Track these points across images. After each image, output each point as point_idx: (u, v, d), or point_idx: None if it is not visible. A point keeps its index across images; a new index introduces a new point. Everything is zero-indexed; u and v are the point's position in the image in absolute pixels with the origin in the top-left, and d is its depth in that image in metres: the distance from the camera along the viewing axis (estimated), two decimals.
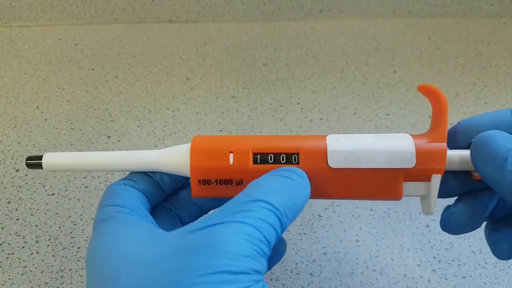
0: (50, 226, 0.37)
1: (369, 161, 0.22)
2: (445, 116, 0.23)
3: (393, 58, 0.59)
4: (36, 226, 0.37)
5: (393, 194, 0.23)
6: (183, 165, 0.24)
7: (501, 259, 0.23)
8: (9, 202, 0.40)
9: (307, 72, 0.57)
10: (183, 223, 0.26)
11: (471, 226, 0.23)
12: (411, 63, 0.58)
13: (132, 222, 0.21)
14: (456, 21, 0.67)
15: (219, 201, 0.26)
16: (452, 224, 0.23)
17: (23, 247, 0.36)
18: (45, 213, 0.38)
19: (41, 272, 0.34)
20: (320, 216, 0.38)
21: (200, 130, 0.47)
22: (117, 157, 0.25)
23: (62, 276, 0.34)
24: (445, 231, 0.24)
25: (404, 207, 0.39)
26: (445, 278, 0.33)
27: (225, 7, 0.66)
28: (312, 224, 0.38)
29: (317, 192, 0.23)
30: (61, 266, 0.34)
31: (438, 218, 0.24)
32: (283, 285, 0.33)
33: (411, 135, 0.23)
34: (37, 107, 0.51)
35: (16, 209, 0.39)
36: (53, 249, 0.36)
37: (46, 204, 0.39)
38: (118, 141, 0.46)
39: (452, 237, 0.36)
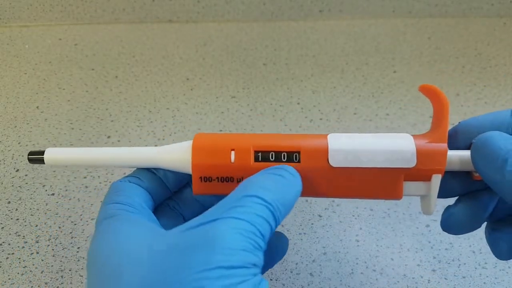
0: (50, 226, 0.37)
1: (370, 160, 0.22)
2: (446, 116, 0.23)
3: (393, 58, 0.59)
4: (36, 226, 0.37)
5: (394, 193, 0.23)
6: (184, 162, 0.24)
7: (501, 259, 0.23)
8: (9, 202, 0.40)
9: (307, 72, 0.57)
10: (186, 221, 0.26)
11: (471, 226, 0.23)
12: (411, 63, 0.58)
13: (134, 220, 0.21)
14: (456, 21, 0.67)
15: (222, 199, 0.26)
16: (452, 224, 0.23)
17: (23, 247, 0.36)
18: (45, 213, 0.38)
19: (41, 272, 0.34)
20: (320, 216, 0.38)
21: (200, 130, 0.47)
22: (118, 153, 0.25)
23: (62, 276, 0.34)
24: (445, 231, 0.24)
25: (404, 207, 0.39)
26: (445, 278, 0.33)
27: (225, 7, 0.66)
28: (312, 224, 0.38)
29: (318, 190, 0.23)
30: (61, 266, 0.34)
31: (438, 218, 0.24)
32: (283, 285, 0.33)
33: (411, 135, 0.23)
34: (37, 107, 0.51)
35: (16, 209, 0.39)
36: (53, 249, 0.36)
37: (46, 204, 0.39)
38: (118, 141, 0.46)
39: (452, 237, 0.36)
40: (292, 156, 0.23)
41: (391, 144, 0.22)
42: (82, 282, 0.33)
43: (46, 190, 0.41)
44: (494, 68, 0.57)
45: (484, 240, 0.24)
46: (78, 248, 0.36)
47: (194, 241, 0.18)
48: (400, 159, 0.22)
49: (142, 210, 0.23)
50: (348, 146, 0.23)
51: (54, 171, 0.42)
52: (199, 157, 0.23)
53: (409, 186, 0.23)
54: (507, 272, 0.34)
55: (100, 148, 0.25)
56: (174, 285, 0.17)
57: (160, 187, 0.25)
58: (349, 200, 0.39)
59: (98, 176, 0.42)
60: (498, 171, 0.19)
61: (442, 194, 0.23)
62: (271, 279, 0.33)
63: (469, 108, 0.51)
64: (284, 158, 0.23)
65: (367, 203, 0.39)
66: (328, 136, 0.23)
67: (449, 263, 0.34)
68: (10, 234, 0.37)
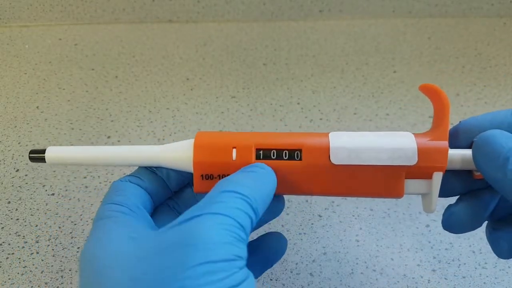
0: (50, 226, 0.37)
1: (371, 158, 0.22)
2: (447, 115, 0.23)
3: (393, 58, 0.59)
4: (36, 226, 0.37)
5: (395, 191, 0.23)
6: (186, 160, 0.24)
7: (501, 258, 0.23)
8: (9, 202, 0.39)
9: (307, 72, 0.57)
10: None
11: (472, 225, 0.23)
12: (411, 63, 0.58)
13: (127, 222, 0.21)
14: (456, 21, 0.67)
15: None
16: (453, 223, 0.23)
17: (23, 247, 0.36)
18: (45, 213, 0.38)
19: (41, 272, 0.34)
20: (320, 216, 0.38)
21: (200, 130, 0.47)
22: (120, 152, 0.25)
23: (62, 276, 0.34)
24: (446, 230, 0.24)
25: (404, 207, 0.39)
26: (445, 278, 0.33)
27: (225, 7, 0.66)
28: (312, 224, 0.38)
29: (319, 188, 0.23)
30: (61, 266, 0.34)
31: (438, 218, 0.24)
32: (283, 285, 0.33)
33: (412, 133, 0.23)
34: (37, 107, 0.51)
35: (16, 209, 0.39)
36: (53, 249, 0.35)
37: (46, 204, 0.39)
38: (118, 141, 0.46)
39: (452, 237, 0.36)
40: (293, 154, 0.23)
41: (392, 142, 0.23)
42: None
43: (46, 190, 0.40)
44: (494, 68, 0.57)
45: (484, 240, 0.24)
46: (78, 248, 0.36)
47: (175, 239, 0.18)
48: (402, 156, 0.22)
49: (138, 211, 0.23)
50: (350, 144, 0.23)
51: (54, 171, 0.42)
52: (200, 155, 0.23)
53: (410, 184, 0.23)
54: (507, 272, 0.34)
55: (101, 147, 0.25)
56: (160, 285, 0.17)
57: (161, 187, 0.25)
58: (349, 200, 0.39)
59: (98, 176, 0.42)
60: (500, 169, 0.19)
61: (443, 193, 0.23)
62: (271, 279, 0.33)
63: (469, 108, 0.51)
64: (285, 156, 0.23)
65: (367, 203, 0.39)
66: (330, 134, 0.24)
67: (449, 263, 0.34)
68: (10, 234, 0.37)
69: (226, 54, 0.60)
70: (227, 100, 0.52)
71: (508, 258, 0.23)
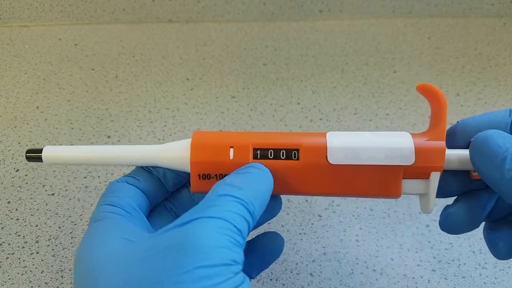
0: (50, 226, 0.37)
1: (369, 158, 0.22)
2: (444, 115, 0.23)
3: (393, 58, 0.59)
4: (36, 226, 0.37)
5: (392, 191, 0.23)
6: (183, 159, 0.24)
7: (499, 259, 0.23)
8: (9, 202, 0.40)
9: (307, 72, 0.57)
10: None
11: (469, 226, 0.23)
12: (411, 63, 0.58)
13: (122, 224, 0.21)
14: (456, 21, 0.67)
15: None
16: (451, 224, 0.23)
17: (23, 247, 0.36)
18: (45, 213, 0.38)
19: (41, 272, 0.34)
20: (320, 216, 0.38)
21: (200, 130, 0.47)
22: (117, 151, 0.25)
23: (62, 276, 0.34)
24: (444, 231, 0.24)
25: (404, 207, 0.39)
26: (445, 278, 0.33)
27: (225, 7, 0.66)
28: (312, 224, 0.38)
29: (317, 188, 0.23)
30: (61, 266, 0.34)
31: (438, 218, 0.24)
32: (283, 285, 0.33)
33: (410, 133, 0.23)
34: (37, 107, 0.51)
35: (16, 209, 0.39)
36: (53, 249, 0.36)
37: (46, 204, 0.39)
38: (118, 141, 0.46)
39: (452, 237, 0.36)
40: (291, 154, 0.23)
41: (389, 142, 0.23)
42: None
43: (46, 190, 0.41)
44: (494, 68, 0.57)
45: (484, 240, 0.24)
46: None
47: (171, 243, 0.18)
48: (399, 156, 0.22)
49: (133, 213, 0.23)
50: (347, 144, 0.23)
51: (54, 171, 0.42)
52: (197, 154, 0.23)
53: (407, 184, 0.23)
54: (507, 272, 0.34)
55: (98, 146, 0.25)
56: None
57: (158, 187, 0.25)
58: (349, 200, 0.39)
59: (98, 176, 0.42)
60: (497, 169, 0.19)
61: (441, 193, 0.23)
62: (271, 279, 0.33)
63: (469, 108, 0.51)
64: (283, 156, 0.23)
65: (367, 203, 0.39)
66: (327, 134, 0.23)
67: (449, 263, 0.34)
68: (10, 234, 0.37)
69: (226, 54, 0.60)
70: (227, 100, 0.52)
71: (505, 259, 0.23)
